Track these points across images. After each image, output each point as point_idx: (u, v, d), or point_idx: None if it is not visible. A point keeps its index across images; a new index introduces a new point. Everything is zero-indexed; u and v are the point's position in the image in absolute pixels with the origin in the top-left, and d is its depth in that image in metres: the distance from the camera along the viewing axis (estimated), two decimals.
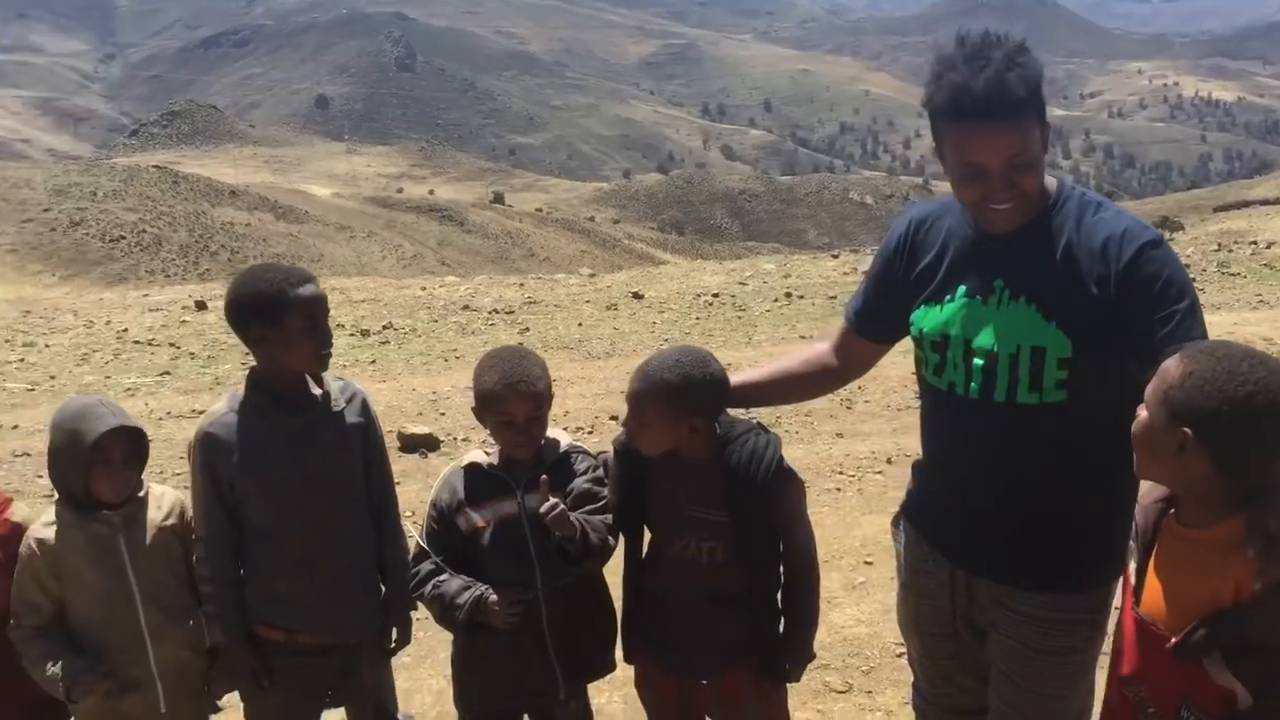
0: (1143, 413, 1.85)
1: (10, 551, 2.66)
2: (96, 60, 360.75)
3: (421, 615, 2.78)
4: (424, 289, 14.91)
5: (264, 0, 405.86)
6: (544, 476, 2.50)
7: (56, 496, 2.67)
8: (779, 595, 2.63)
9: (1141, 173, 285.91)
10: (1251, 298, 12.61)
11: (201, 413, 2.81)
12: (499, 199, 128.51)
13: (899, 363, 2.90)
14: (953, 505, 2.39)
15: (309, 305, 2.57)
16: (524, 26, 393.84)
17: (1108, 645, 2.18)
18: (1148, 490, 2.00)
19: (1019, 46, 2.07)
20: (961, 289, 2.27)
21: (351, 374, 8.99)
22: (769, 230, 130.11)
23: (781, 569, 2.62)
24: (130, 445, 2.62)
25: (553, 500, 2.45)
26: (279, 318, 2.54)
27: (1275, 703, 1.70)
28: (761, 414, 7.66)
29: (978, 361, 2.22)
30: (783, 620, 2.63)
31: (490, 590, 2.55)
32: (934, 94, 2.10)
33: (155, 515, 2.68)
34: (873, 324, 2.56)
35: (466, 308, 13.07)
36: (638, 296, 13.33)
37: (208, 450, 2.60)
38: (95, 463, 2.56)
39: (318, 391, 2.69)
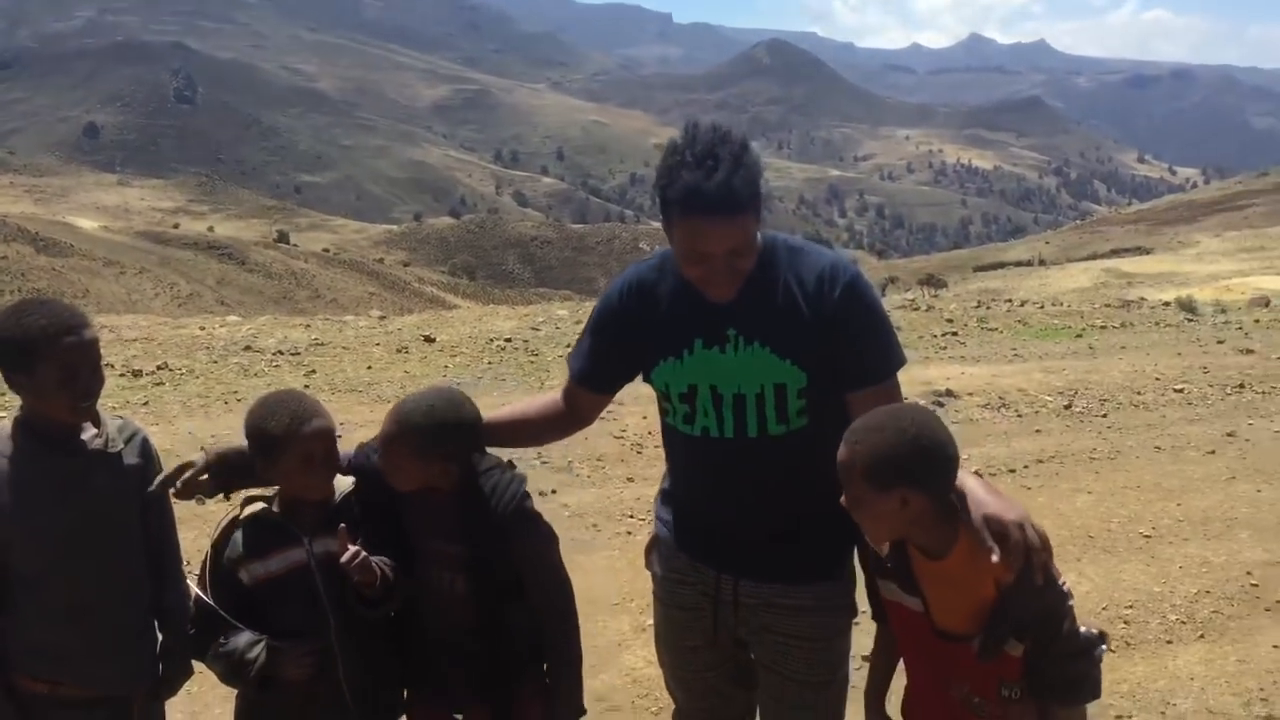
0: (846, 502, 2.18)
1: None
2: None
3: (199, 669, 2.77)
4: (203, 328, 14.43)
5: (30, 23, 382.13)
6: (341, 525, 2.47)
7: None
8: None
9: (909, 232, 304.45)
10: (1008, 352, 13.72)
11: None
12: (283, 238, 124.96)
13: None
14: (717, 524, 2.59)
15: (68, 355, 2.40)
16: (312, 63, 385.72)
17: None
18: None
19: (743, 145, 2.30)
20: (698, 342, 2.47)
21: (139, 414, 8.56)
22: (560, 277, 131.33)
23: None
24: None
25: (353, 549, 2.43)
26: (31, 365, 2.39)
27: (1054, 646, 2.13)
28: (552, 457, 7.73)
29: (727, 405, 2.47)
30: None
31: (279, 642, 2.49)
32: (666, 188, 2.32)
33: None
34: (595, 378, 2.71)
35: (249, 348, 12.68)
36: (429, 340, 13.34)
37: None
38: None
39: (91, 433, 2.55)
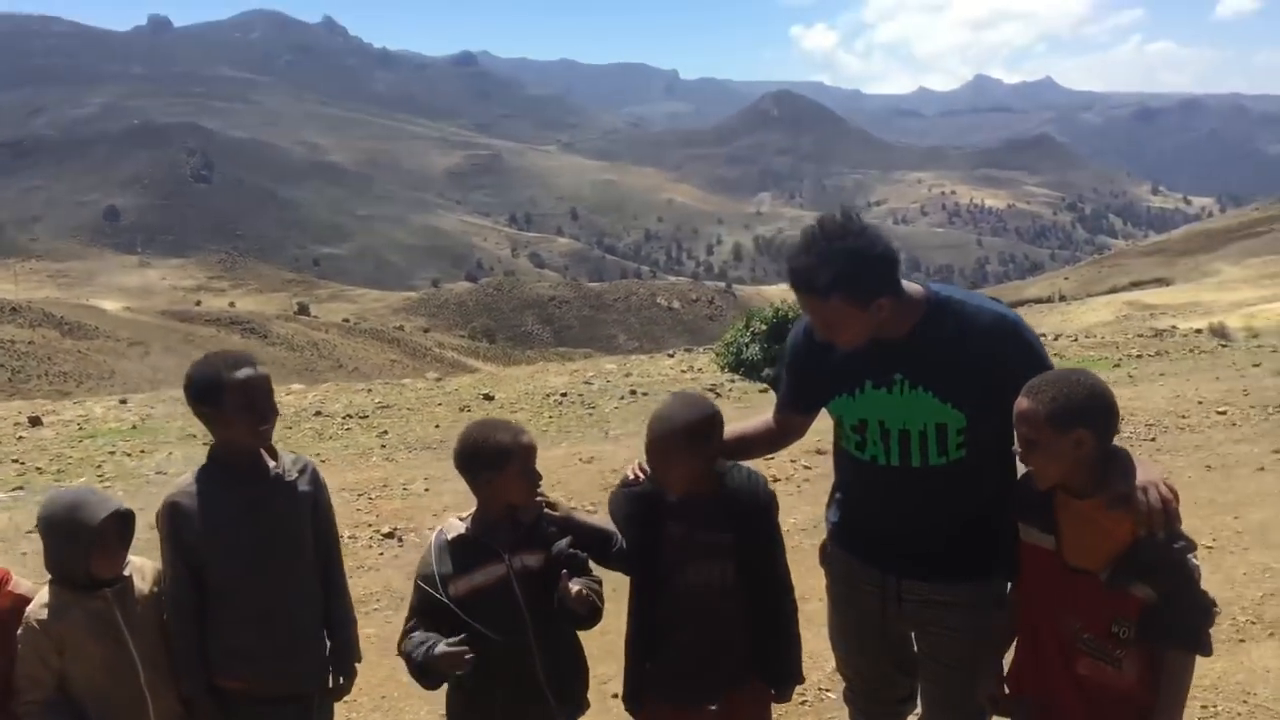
0: (1022, 445, 2.55)
1: (11, 623, 2.89)
2: None
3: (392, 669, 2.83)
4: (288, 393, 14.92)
5: (48, 111, 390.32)
6: (564, 571, 2.85)
7: (49, 580, 2.91)
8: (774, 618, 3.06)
9: (927, 274, 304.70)
10: None
11: None
12: (304, 310, 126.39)
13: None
14: (882, 534, 3.00)
15: (243, 387, 2.90)
16: (326, 138, 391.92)
17: None
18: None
19: (840, 234, 2.67)
20: (868, 383, 2.88)
21: None
22: (580, 336, 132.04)
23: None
24: (122, 525, 2.90)
25: (576, 586, 2.81)
26: (217, 398, 2.90)
27: (1180, 594, 2.41)
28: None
29: (893, 439, 2.88)
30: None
31: (440, 640, 2.79)
32: (788, 271, 2.78)
33: (142, 586, 2.96)
34: (794, 404, 3.19)
35: (319, 413, 13.19)
36: (488, 398, 13.86)
37: (172, 518, 2.92)
38: (95, 545, 2.82)
39: (272, 464, 3.02)
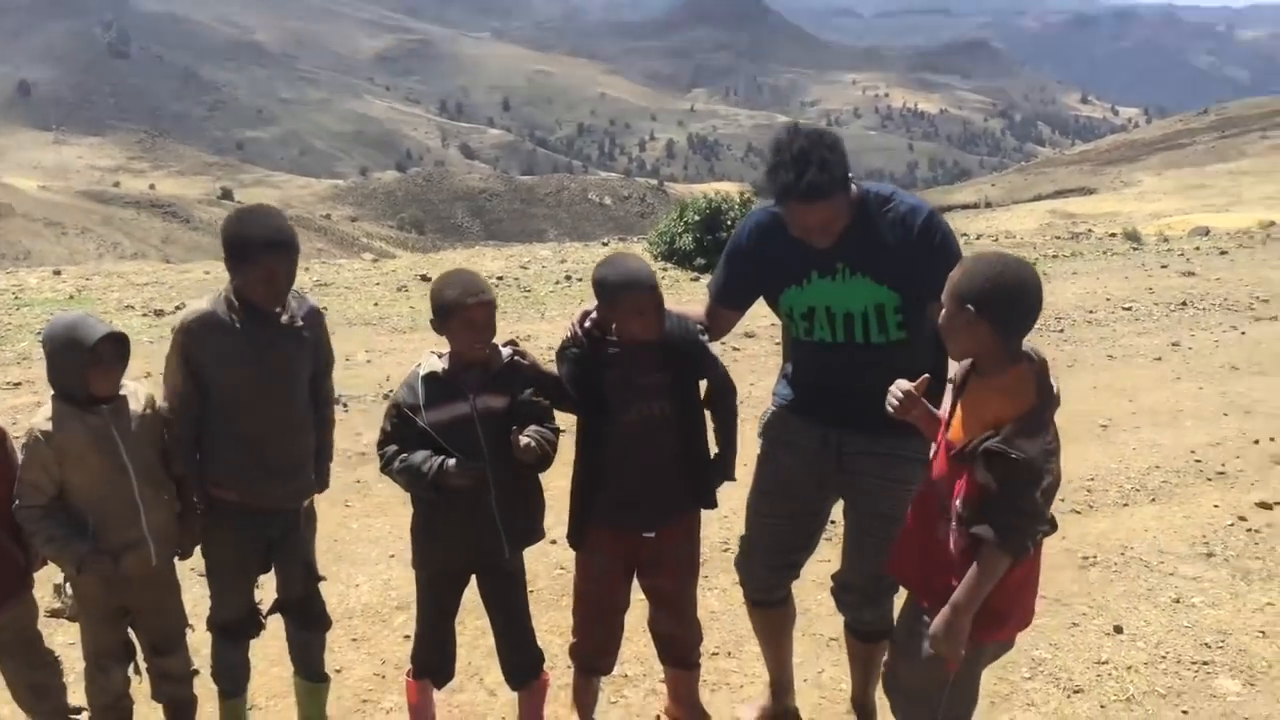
0: (941, 319, 2.70)
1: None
2: None
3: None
4: (207, 272, 14.94)
5: None
6: (514, 429, 3.09)
7: (52, 394, 3.14)
8: (708, 437, 3.39)
9: (860, 176, 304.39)
10: None
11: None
12: (228, 195, 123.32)
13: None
14: (830, 399, 3.32)
15: (271, 262, 3.13)
16: (249, 15, 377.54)
17: None
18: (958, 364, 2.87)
19: (830, 145, 3.00)
20: (814, 273, 3.21)
21: (160, 349, 9.19)
22: (510, 229, 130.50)
23: (708, 411, 3.39)
24: (118, 348, 3.09)
25: (524, 441, 3.07)
26: (245, 261, 3.13)
27: (1008, 490, 2.52)
28: None
29: (839, 321, 3.22)
30: (713, 449, 3.41)
31: (449, 459, 3.11)
32: (771, 182, 3.03)
33: (135, 406, 3.18)
34: (729, 299, 3.47)
35: None
36: (425, 279, 13.92)
37: (186, 339, 3.19)
38: (91, 364, 3.02)
39: (284, 314, 3.29)
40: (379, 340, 10.20)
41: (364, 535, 5.54)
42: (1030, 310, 2.59)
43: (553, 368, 3.35)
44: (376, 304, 12.54)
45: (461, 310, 3.11)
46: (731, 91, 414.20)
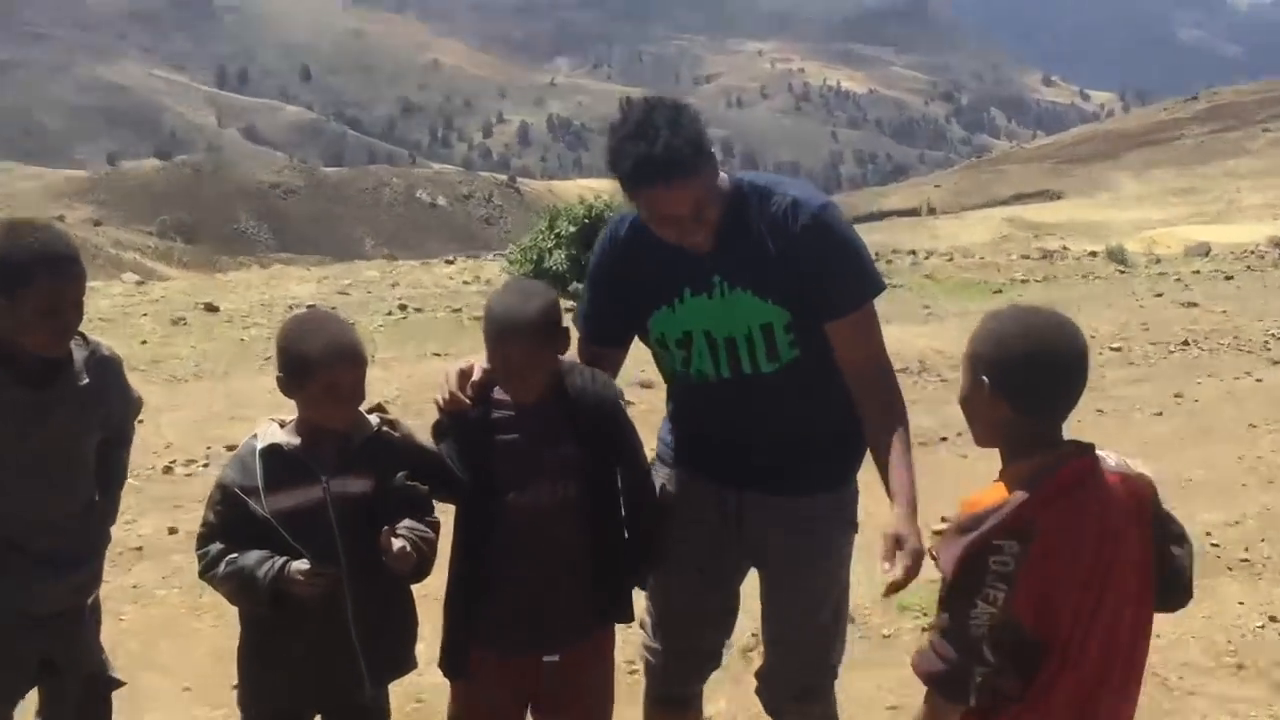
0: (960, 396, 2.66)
1: None
2: None
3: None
4: None
5: None
6: (385, 529, 3.01)
7: None
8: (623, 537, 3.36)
9: (758, 171, 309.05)
10: (918, 311, 15.06)
11: None
12: None
13: None
14: (722, 449, 3.36)
15: (50, 285, 2.96)
16: None
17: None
18: None
19: (677, 107, 3.03)
20: (686, 291, 3.24)
21: None
22: (312, 237, 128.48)
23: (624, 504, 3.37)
24: None
25: (398, 544, 2.99)
26: (12, 289, 2.93)
27: (943, 604, 2.52)
28: None
29: (720, 348, 3.25)
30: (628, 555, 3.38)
31: (289, 560, 3.00)
32: (617, 165, 3.02)
33: None
34: (605, 333, 3.47)
35: None
36: (211, 309, 13.73)
37: None
38: None
39: (77, 356, 3.18)
40: (152, 393, 9.90)
41: (148, 660, 5.37)
42: (1061, 381, 2.52)
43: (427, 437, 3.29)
44: (145, 342, 12.30)
45: (326, 372, 3.04)
46: (603, 64, 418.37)
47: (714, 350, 3.27)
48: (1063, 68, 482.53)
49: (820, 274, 3.11)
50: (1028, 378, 2.49)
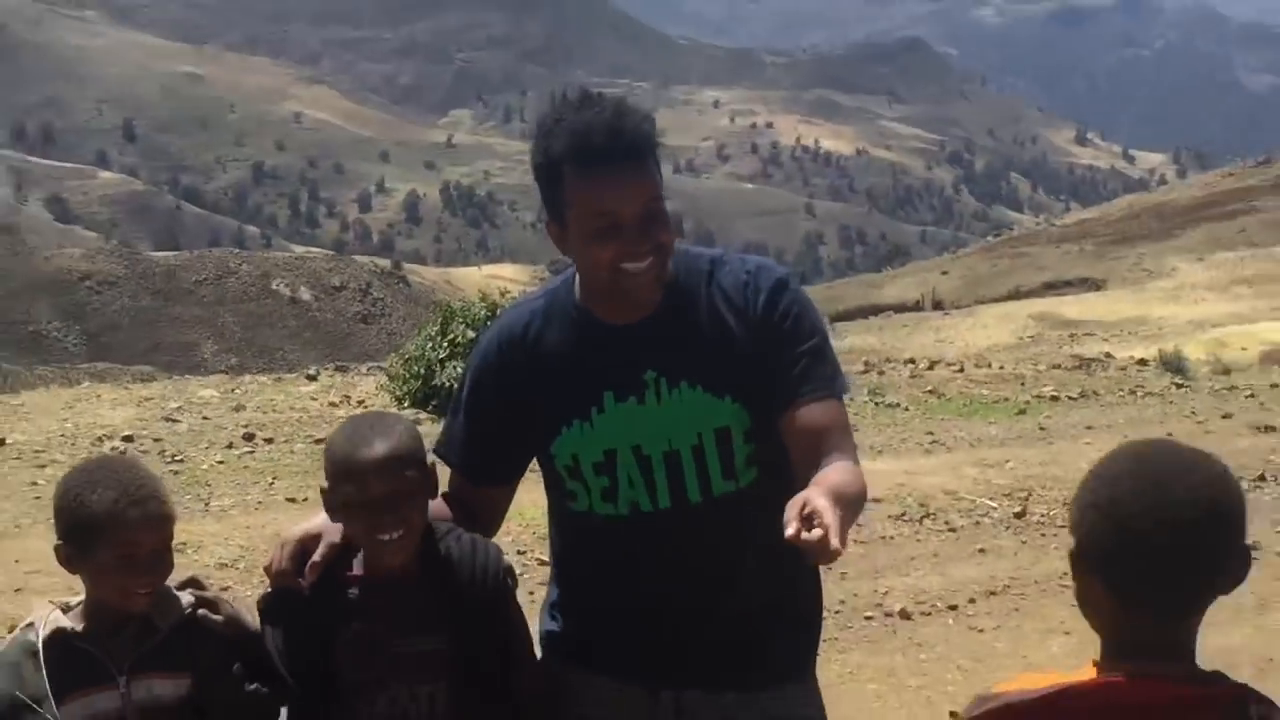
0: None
1: None
2: None
3: None
4: None
5: None
6: None
7: None
8: None
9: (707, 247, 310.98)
10: (921, 438, 15.13)
11: None
12: None
13: None
14: (651, 628, 3.18)
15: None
16: None
17: None
18: None
19: (621, 99, 3.04)
20: (608, 396, 3.11)
21: None
22: (134, 344, 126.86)
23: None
24: None
25: None
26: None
27: None
28: None
29: (657, 468, 3.10)
30: None
31: None
32: (550, 145, 2.97)
33: None
34: (487, 468, 3.37)
35: None
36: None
37: None
38: None
39: None
40: None
41: None
42: (1180, 560, 2.19)
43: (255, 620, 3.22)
44: None
45: (118, 529, 2.93)
46: (516, 116, 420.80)
47: (647, 472, 3.11)
48: (1101, 121, 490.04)
49: (785, 353, 3.05)
50: (1132, 549, 2.20)
